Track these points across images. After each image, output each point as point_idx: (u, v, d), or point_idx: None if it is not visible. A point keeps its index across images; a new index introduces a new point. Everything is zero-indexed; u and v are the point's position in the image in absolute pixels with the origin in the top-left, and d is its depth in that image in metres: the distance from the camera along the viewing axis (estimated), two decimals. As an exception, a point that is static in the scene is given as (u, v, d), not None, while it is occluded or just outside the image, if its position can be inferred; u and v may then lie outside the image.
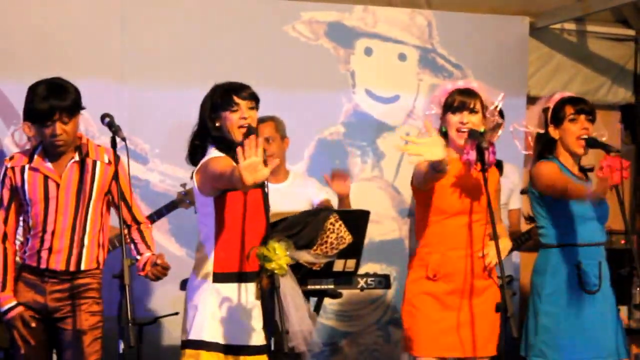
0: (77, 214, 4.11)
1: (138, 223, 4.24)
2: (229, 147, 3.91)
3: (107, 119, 3.97)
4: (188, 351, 3.89)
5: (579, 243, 4.35)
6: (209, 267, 3.91)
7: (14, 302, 4.08)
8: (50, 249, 4.08)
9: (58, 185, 4.10)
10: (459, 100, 4.08)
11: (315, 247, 3.96)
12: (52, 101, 4.00)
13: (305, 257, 3.91)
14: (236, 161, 3.51)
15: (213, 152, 3.93)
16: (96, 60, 5.62)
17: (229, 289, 3.90)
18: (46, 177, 4.11)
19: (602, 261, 4.38)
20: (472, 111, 4.07)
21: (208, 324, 3.88)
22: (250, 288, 3.89)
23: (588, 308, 4.32)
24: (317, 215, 3.99)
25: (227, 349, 3.88)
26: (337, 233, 4.01)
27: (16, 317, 4.07)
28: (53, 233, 4.09)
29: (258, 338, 3.88)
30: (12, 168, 4.13)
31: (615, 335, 4.35)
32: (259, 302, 3.89)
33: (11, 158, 4.18)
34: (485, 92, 4.15)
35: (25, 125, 4.80)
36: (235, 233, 3.90)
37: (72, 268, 4.10)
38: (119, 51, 5.73)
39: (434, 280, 4.06)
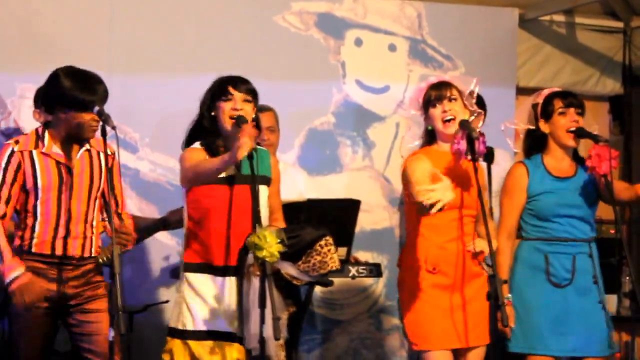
0: (89, 201, 4.09)
1: (118, 214, 4.22)
2: (213, 141, 3.98)
3: (96, 108, 3.96)
4: (167, 337, 4.05)
5: (550, 238, 4.36)
6: (183, 256, 4.06)
7: (22, 269, 3.94)
8: (66, 236, 4.04)
9: (70, 171, 4.07)
10: (436, 93, 4.13)
11: (299, 263, 3.98)
12: (99, 88, 4.01)
13: (288, 269, 3.94)
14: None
15: (192, 146, 4.04)
16: (85, 49, 5.58)
17: (197, 279, 4.00)
18: (58, 163, 4.06)
19: (579, 256, 4.36)
20: (451, 99, 4.11)
21: (177, 312, 4.04)
22: (219, 280, 3.98)
23: (559, 302, 4.33)
24: (313, 233, 4.01)
25: (191, 334, 3.98)
26: (322, 257, 4.02)
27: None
28: (69, 219, 4.05)
29: (222, 325, 3.96)
30: (22, 152, 4.04)
31: (593, 333, 4.36)
32: (226, 294, 3.96)
33: (17, 142, 4.07)
34: (460, 82, 4.19)
35: (37, 112, 4.77)
36: (204, 226, 3.99)
37: (86, 254, 4.08)
38: (108, 40, 5.71)
39: (434, 273, 4.09)
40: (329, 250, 4.02)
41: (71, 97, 3.97)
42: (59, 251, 4.05)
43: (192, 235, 4.06)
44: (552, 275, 4.33)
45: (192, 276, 4.02)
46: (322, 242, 4.01)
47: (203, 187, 4.00)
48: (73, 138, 4.07)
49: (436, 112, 4.11)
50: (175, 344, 4.01)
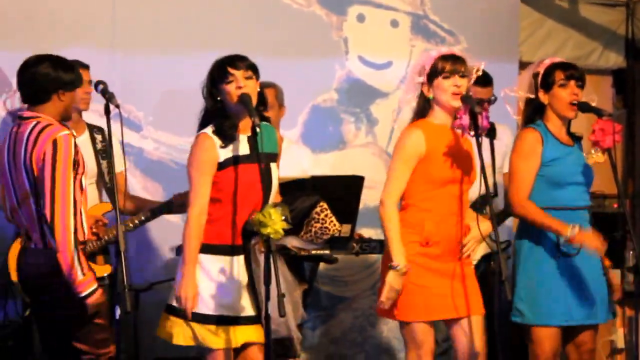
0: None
1: None
2: (222, 123, 3.96)
3: (100, 86, 3.94)
4: (164, 314, 4.03)
5: (558, 207, 4.36)
6: None
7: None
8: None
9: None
10: (450, 67, 4.09)
11: (302, 234, 4.00)
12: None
13: (292, 242, 3.95)
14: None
15: (203, 139, 3.98)
16: (88, 27, 5.57)
17: (206, 260, 3.97)
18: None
19: (584, 225, 4.35)
20: (463, 75, 4.09)
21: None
22: (227, 260, 3.97)
23: (568, 271, 4.33)
24: (307, 201, 4.02)
25: (196, 317, 3.94)
26: (322, 223, 4.04)
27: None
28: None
29: (229, 310, 3.96)
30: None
31: (600, 300, 4.38)
32: (235, 274, 3.96)
33: (65, 127, 3.97)
34: (468, 59, 4.17)
35: None
36: (212, 206, 3.96)
37: None
38: (111, 18, 5.69)
39: (427, 247, 4.09)
40: (326, 216, 4.05)
41: (68, 76, 3.98)
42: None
43: None
44: (562, 244, 4.33)
45: (200, 257, 3.98)
46: (318, 209, 4.03)
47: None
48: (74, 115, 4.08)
49: (446, 83, 4.07)
50: (176, 324, 3.96)
